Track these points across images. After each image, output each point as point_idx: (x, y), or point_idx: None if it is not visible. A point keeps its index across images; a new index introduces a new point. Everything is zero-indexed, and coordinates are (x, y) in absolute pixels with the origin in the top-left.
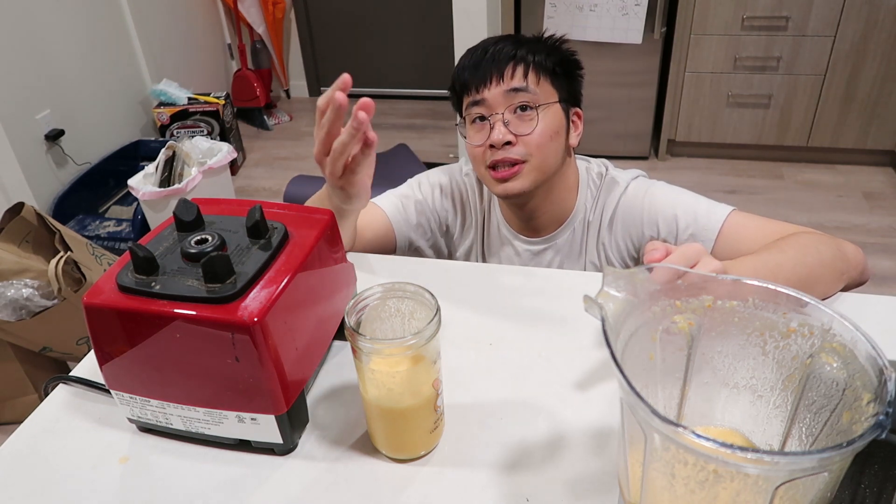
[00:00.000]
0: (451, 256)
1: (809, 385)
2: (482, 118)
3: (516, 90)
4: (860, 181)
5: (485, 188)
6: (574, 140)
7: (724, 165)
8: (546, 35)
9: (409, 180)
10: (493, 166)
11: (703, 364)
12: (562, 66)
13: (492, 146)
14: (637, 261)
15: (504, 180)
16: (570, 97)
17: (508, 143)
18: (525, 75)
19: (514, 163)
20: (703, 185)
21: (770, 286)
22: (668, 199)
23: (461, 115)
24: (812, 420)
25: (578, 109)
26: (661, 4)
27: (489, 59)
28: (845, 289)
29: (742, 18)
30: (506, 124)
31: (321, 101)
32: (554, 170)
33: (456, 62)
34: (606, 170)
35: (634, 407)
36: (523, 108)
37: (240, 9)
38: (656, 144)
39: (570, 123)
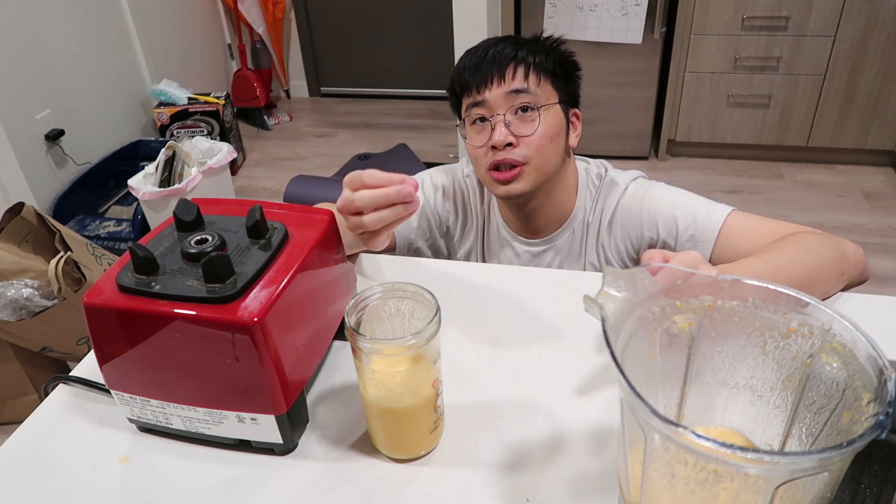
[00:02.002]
0: (450, 257)
1: (809, 385)
2: (482, 119)
3: (517, 91)
4: (860, 181)
5: (485, 189)
6: (573, 141)
7: (724, 165)
8: (545, 36)
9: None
10: (495, 168)
11: (703, 364)
12: (561, 66)
13: (493, 147)
14: (636, 262)
15: (505, 182)
16: (570, 98)
17: (510, 144)
18: (526, 76)
19: (514, 164)
20: (703, 185)
21: (770, 286)
22: (668, 201)
23: (460, 117)
24: (812, 420)
25: (577, 110)
26: (661, 4)
27: (489, 60)
28: (846, 288)
29: (742, 18)
30: (507, 125)
31: (373, 177)
32: (554, 171)
33: (456, 62)
34: (606, 171)
35: (634, 407)
36: (524, 109)
37: (240, 9)
38: (656, 144)
39: (570, 124)
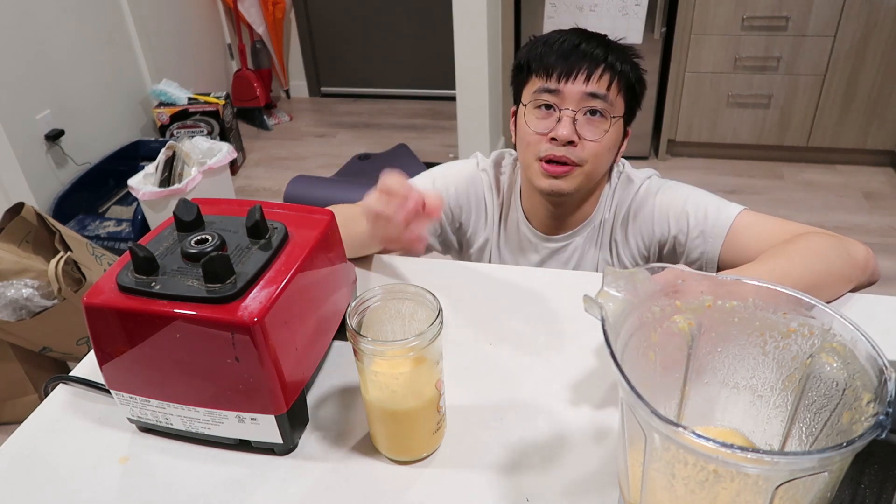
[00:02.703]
0: (461, 252)
1: (809, 385)
2: (548, 106)
3: (595, 95)
4: (860, 181)
5: (503, 184)
6: (618, 157)
7: (724, 165)
8: (628, 44)
9: (424, 173)
10: (547, 160)
11: (703, 364)
12: (639, 84)
13: (553, 139)
14: (647, 259)
15: (554, 177)
16: (630, 116)
17: (571, 142)
18: (609, 85)
19: (567, 163)
20: (703, 186)
21: (770, 286)
22: (679, 197)
23: (518, 96)
24: (812, 420)
25: (629, 128)
26: (661, 4)
27: (580, 55)
28: (853, 290)
29: (742, 18)
30: (573, 122)
31: (394, 186)
32: (598, 179)
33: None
34: (623, 167)
35: (634, 407)
36: (593, 112)
37: (240, 9)
38: (656, 144)
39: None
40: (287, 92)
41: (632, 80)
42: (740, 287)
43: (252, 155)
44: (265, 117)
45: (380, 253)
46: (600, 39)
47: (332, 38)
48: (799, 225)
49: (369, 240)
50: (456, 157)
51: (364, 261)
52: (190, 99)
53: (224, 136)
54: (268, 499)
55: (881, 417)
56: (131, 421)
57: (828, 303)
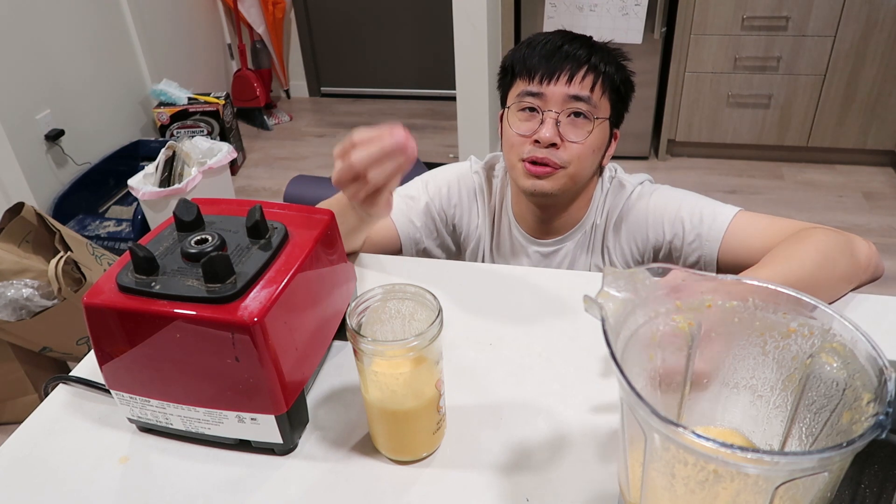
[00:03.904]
0: (460, 254)
1: (809, 385)
2: (532, 109)
3: (578, 97)
4: (860, 181)
5: (495, 186)
6: (605, 160)
7: (724, 165)
8: (613, 46)
9: (416, 179)
10: (530, 161)
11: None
12: (624, 85)
13: (536, 141)
14: (641, 265)
15: (537, 177)
16: (617, 118)
17: (553, 144)
18: (592, 86)
19: (549, 164)
20: (703, 186)
21: (770, 286)
22: (674, 202)
23: (505, 99)
24: (812, 420)
25: (617, 131)
26: (661, 4)
27: (562, 56)
28: (855, 288)
29: (742, 18)
30: (556, 124)
31: (362, 135)
32: (584, 181)
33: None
34: (615, 172)
35: (634, 407)
36: (577, 114)
37: (240, 9)
38: (656, 144)
39: (609, 143)
40: (287, 92)
41: (617, 82)
42: (740, 287)
43: (252, 155)
44: (265, 117)
45: (364, 252)
46: (584, 40)
47: (332, 38)
48: (797, 222)
49: (348, 206)
50: (456, 158)
51: (364, 261)
52: (190, 99)
53: (224, 136)
54: (268, 499)
55: (881, 417)
56: (131, 421)
57: (829, 303)
